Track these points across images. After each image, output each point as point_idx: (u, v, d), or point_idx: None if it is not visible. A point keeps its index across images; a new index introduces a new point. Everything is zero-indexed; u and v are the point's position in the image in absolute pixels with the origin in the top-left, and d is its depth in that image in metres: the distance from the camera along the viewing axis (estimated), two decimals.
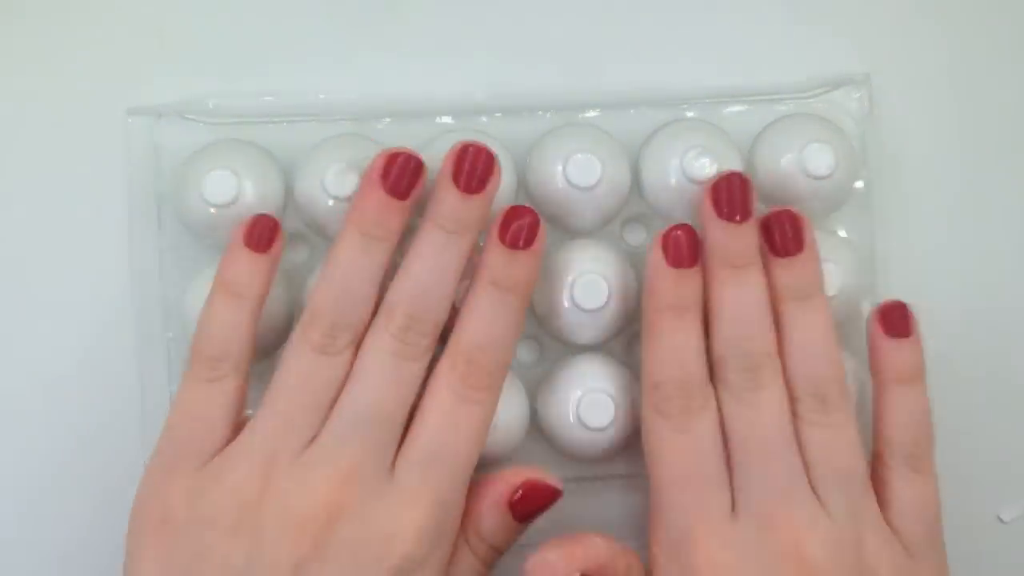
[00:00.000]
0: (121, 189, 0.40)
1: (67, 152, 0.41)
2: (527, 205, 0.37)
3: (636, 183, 0.40)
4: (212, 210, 0.38)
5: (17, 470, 0.41)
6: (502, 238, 0.36)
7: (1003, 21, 0.43)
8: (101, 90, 0.41)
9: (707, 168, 0.38)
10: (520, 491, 0.37)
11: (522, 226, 0.36)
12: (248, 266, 0.36)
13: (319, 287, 0.36)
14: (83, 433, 0.41)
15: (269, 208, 0.39)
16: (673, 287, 0.36)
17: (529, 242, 0.36)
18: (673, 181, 0.39)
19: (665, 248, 0.36)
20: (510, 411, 0.38)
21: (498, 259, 0.36)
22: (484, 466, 0.39)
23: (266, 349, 0.39)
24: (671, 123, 0.40)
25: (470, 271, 0.37)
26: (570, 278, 0.38)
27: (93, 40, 0.41)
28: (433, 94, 0.41)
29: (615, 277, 0.39)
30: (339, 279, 0.36)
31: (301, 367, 0.35)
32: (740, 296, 0.36)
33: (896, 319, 0.37)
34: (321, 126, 0.40)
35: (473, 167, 0.36)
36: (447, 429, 0.35)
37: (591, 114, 0.41)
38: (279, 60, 0.41)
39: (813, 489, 0.35)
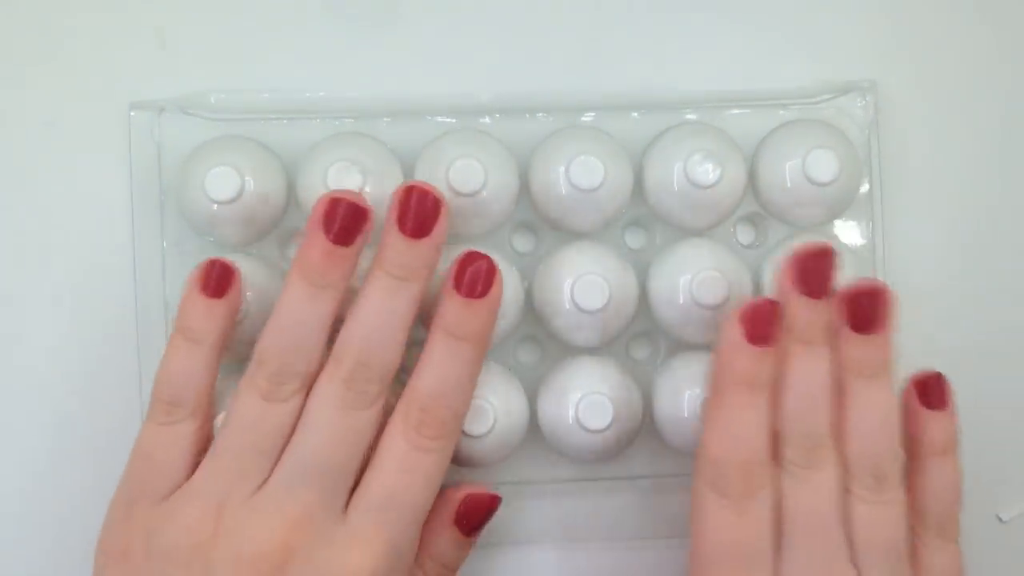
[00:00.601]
0: (124, 184, 0.40)
1: (70, 146, 0.41)
2: (480, 252, 0.36)
3: (639, 186, 0.40)
4: (214, 206, 0.38)
5: (18, 467, 0.41)
6: (457, 286, 0.36)
7: (1009, 29, 0.43)
8: (104, 85, 0.40)
9: (710, 173, 0.38)
10: (462, 505, 0.37)
11: (477, 273, 0.36)
12: (204, 311, 0.36)
13: (266, 333, 0.36)
14: (84, 428, 0.41)
15: (271, 205, 0.39)
16: (751, 364, 0.35)
17: (484, 291, 0.36)
18: (676, 185, 0.39)
19: (746, 322, 0.35)
20: (510, 412, 0.38)
21: (452, 308, 0.36)
22: (485, 469, 0.39)
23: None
24: (676, 126, 0.40)
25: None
26: (571, 279, 0.38)
27: (96, 35, 0.41)
28: (435, 94, 0.41)
29: (616, 279, 0.39)
30: (285, 327, 0.35)
31: (249, 412, 0.35)
32: (810, 373, 0.35)
33: (934, 391, 0.37)
34: (323, 123, 0.40)
35: (419, 211, 0.36)
36: (400, 476, 0.35)
37: (593, 116, 0.41)
38: (282, 57, 0.41)
39: (854, 564, 0.35)
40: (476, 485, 0.38)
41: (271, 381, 0.35)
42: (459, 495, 0.38)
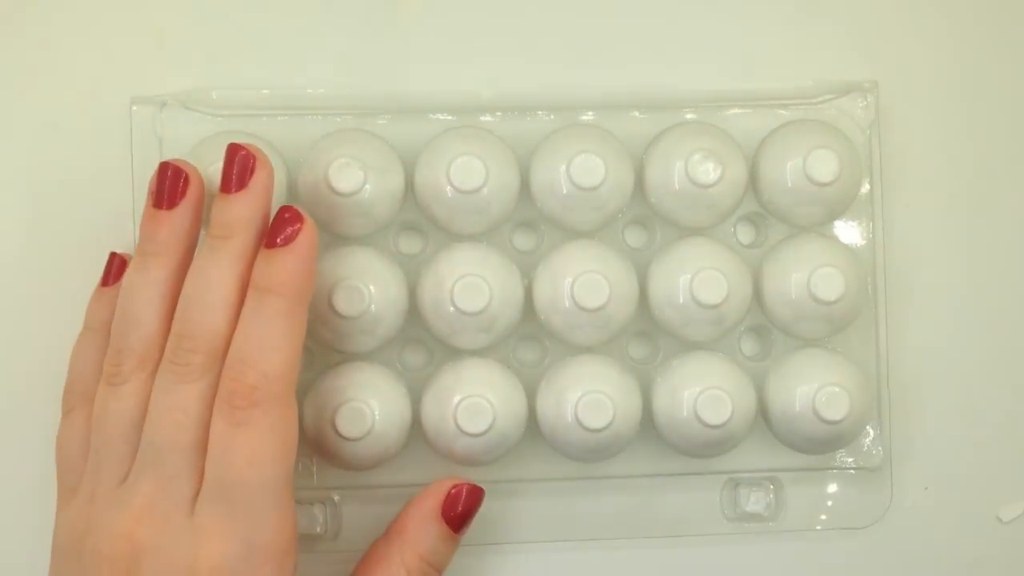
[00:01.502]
0: (124, 178, 0.40)
1: (71, 139, 0.41)
2: (294, 207, 0.35)
3: (639, 185, 0.40)
4: None
5: (20, 454, 0.41)
6: (263, 240, 0.35)
7: (1011, 31, 0.43)
8: (106, 79, 0.40)
9: (711, 172, 0.38)
10: (449, 498, 0.37)
11: (281, 223, 0.35)
12: (98, 303, 0.38)
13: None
14: None
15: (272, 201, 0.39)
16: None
17: (288, 239, 0.34)
18: (677, 184, 0.39)
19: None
20: (508, 410, 0.38)
21: (258, 262, 0.35)
22: (485, 466, 0.39)
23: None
24: (677, 125, 0.40)
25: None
26: (571, 278, 0.38)
27: (99, 28, 0.41)
28: (436, 91, 0.41)
29: (616, 278, 0.39)
30: (120, 303, 0.35)
31: (100, 399, 0.35)
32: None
33: None
34: (324, 120, 0.40)
35: (231, 166, 0.35)
36: (223, 461, 0.33)
37: (594, 115, 0.41)
38: (283, 54, 0.41)
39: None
40: (460, 478, 0.38)
41: (110, 362, 0.35)
42: (444, 488, 0.37)
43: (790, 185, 0.39)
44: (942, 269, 0.42)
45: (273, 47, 0.41)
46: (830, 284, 0.39)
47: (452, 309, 0.38)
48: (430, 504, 0.37)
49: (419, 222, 0.41)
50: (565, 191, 0.38)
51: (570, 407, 0.38)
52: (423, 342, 0.41)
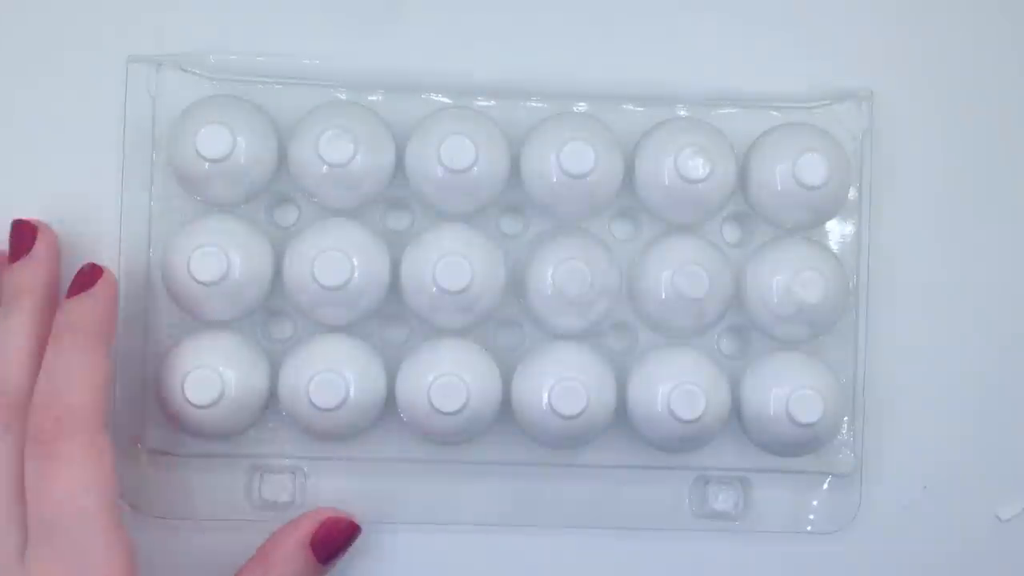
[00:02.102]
0: (118, 135, 0.40)
1: (67, 93, 0.41)
2: (94, 263, 0.37)
3: (629, 179, 0.40)
4: (205, 164, 0.38)
5: None
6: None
7: (1006, 41, 0.43)
8: (104, 35, 0.40)
9: (700, 168, 0.38)
10: (321, 529, 0.37)
11: (80, 276, 0.37)
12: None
13: None
14: None
15: (261, 167, 0.39)
16: None
17: (84, 287, 0.36)
18: (667, 179, 0.39)
19: None
20: (483, 390, 0.38)
21: (56, 313, 0.36)
22: (456, 445, 0.39)
23: (250, 306, 0.39)
24: (670, 120, 0.40)
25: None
26: (553, 266, 0.38)
27: None
28: (431, 71, 0.41)
29: (599, 268, 0.39)
30: None
31: None
32: None
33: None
34: (319, 92, 0.40)
35: (14, 237, 0.38)
36: (38, 499, 0.34)
37: (587, 106, 0.41)
38: (283, 23, 0.41)
39: None
40: (335, 510, 0.38)
41: None
42: (319, 518, 0.38)
43: (778, 186, 0.39)
44: (927, 276, 0.42)
45: (273, 16, 0.41)
46: (811, 288, 0.39)
47: (434, 288, 0.38)
48: (300, 533, 0.37)
49: (407, 199, 0.41)
50: (555, 178, 0.38)
51: (544, 393, 0.38)
52: (404, 319, 0.41)
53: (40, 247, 0.38)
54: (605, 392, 0.39)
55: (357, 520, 0.39)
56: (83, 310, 0.36)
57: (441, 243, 0.38)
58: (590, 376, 0.39)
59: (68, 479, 0.33)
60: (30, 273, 0.37)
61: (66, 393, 0.34)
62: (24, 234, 0.38)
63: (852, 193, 0.41)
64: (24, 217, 0.38)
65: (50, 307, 0.37)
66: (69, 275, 0.37)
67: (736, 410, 0.40)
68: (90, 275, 0.36)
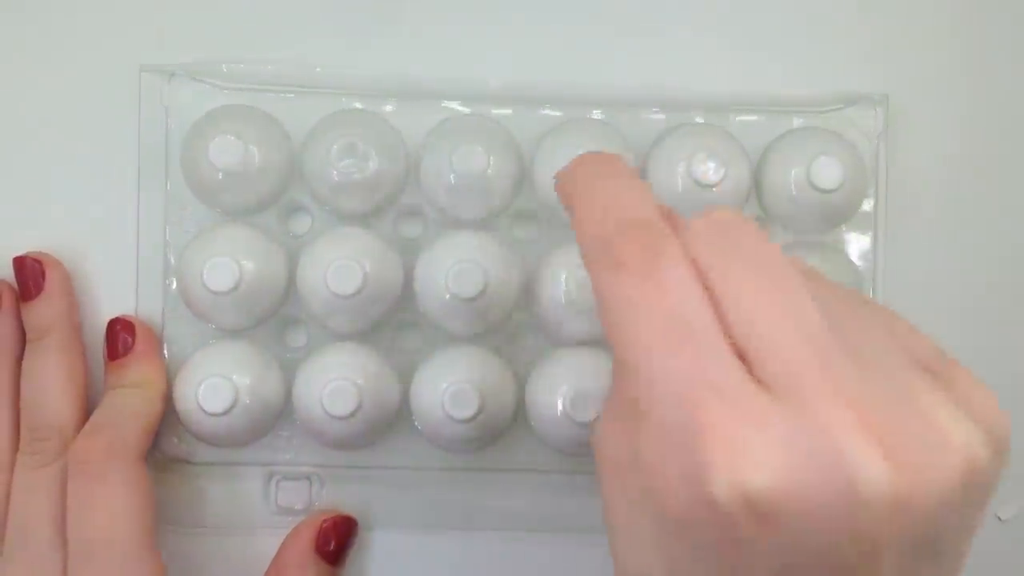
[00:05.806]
0: (132, 145, 0.40)
1: (80, 104, 0.41)
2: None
3: None
4: (219, 174, 0.38)
5: None
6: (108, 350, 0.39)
7: (1020, 45, 0.43)
8: (117, 45, 0.41)
9: (712, 172, 0.38)
10: (323, 534, 0.38)
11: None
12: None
13: None
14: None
15: (274, 176, 0.39)
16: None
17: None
18: (680, 184, 0.39)
19: None
20: (498, 402, 0.38)
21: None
22: (476, 452, 0.39)
23: (264, 315, 0.39)
24: (682, 125, 0.40)
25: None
26: (564, 275, 0.38)
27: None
28: (444, 79, 0.41)
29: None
30: None
31: None
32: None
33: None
34: (332, 100, 0.40)
35: (22, 275, 0.38)
36: (79, 521, 0.35)
37: (602, 113, 0.41)
38: (296, 32, 0.41)
39: None
40: (331, 511, 0.39)
41: None
42: (316, 523, 0.38)
43: (793, 190, 0.39)
44: (942, 282, 0.42)
45: (286, 24, 0.41)
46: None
47: (448, 295, 0.38)
48: (305, 541, 0.38)
49: (419, 207, 0.41)
50: None
51: (559, 400, 0.38)
52: (417, 326, 0.41)
53: (52, 281, 0.38)
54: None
55: (353, 515, 0.39)
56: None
57: (454, 250, 0.38)
58: (605, 383, 0.39)
59: (110, 504, 0.35)
60: (51, 310, 0.38)
61: (114, 422, 0.37)
62: (32, 271, 0.38)
63: (867, 204, 0.41)
64: (24, 254, 0.39)
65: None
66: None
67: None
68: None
